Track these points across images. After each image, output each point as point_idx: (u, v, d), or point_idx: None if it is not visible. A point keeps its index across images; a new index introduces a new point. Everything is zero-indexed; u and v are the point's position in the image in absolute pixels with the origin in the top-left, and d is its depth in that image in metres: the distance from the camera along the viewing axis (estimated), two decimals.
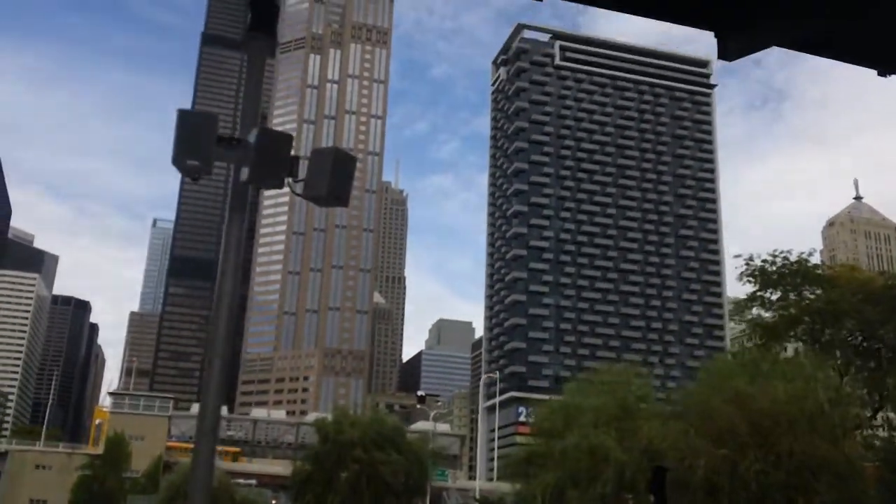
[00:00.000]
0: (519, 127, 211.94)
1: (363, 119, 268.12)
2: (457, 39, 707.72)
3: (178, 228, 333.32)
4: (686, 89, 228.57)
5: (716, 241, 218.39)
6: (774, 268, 59.32)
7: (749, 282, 59.75)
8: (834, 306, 54.61)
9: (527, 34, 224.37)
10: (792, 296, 59.61)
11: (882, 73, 7.31)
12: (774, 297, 60.12)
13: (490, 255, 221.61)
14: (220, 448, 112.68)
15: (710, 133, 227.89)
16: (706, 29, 7.11)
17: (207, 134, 7.39)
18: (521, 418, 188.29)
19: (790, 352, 58.66)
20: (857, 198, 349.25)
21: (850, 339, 57.65)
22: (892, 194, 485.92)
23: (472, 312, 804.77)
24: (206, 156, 7.40)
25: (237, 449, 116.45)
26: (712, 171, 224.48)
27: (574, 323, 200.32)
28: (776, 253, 59.53)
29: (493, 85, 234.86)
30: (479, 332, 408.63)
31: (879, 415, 58.46)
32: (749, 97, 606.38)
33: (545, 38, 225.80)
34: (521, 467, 49.09)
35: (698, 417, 38.75)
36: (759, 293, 60.02)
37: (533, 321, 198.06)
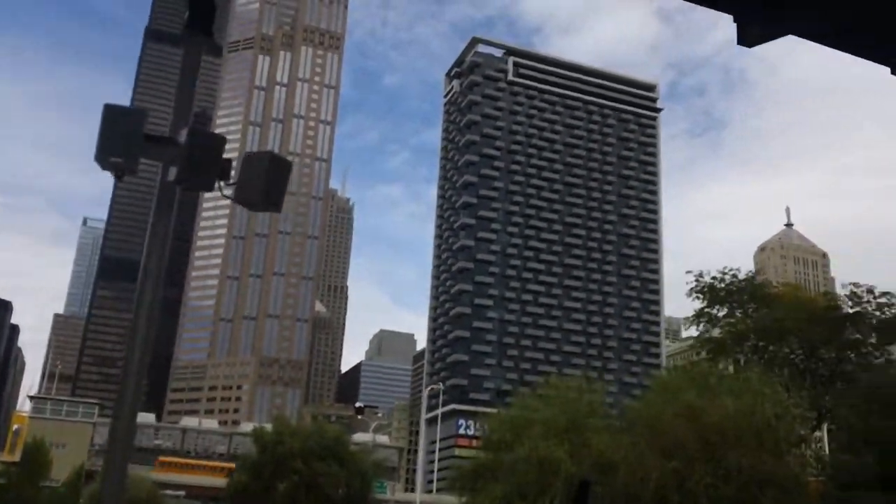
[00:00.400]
0: (470, 140, 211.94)
1: (312, 124, 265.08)
2: (410, 50, 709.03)
3: (110, 228, 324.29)
4: (633, 112, 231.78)
5: (656, 261, 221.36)
6: (723, 284, 60.25)
7: (697, 298, 60.59)
8: (780, 324, 55.57)
9: (481, 48, 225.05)
10: (738, 313, 60.56)
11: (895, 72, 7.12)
12: (721, 314, 61.16)
13: (436, 266, 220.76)
14: (212, 464, 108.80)
15: (654, 156, 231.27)
16: (726, 12, 7.03)
17: (134, 131, 7.04)
18: (462, 431, 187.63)
19: (732, 368, 59.39)
20: (788, 224, 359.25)
21: (792, 357, 58.88)
22: (820, 222, 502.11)
23: (415, 324, 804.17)
24: (132, 153, 7.06)
25: (231, 465, 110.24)
26: (655, 192, 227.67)
27: (517, 337, 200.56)
28: (725, 270, 60.50)
29: (445, 97, 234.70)
30: (422, 344, 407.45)
31: (816, 432, 59.56)
32: (691, 124, 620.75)
33: (499, 53, 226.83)
34: (468, 480, 48.08)
35: (648, 430, 38.43)
36: (707, 309, 60.86)
37: (476, 334, 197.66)
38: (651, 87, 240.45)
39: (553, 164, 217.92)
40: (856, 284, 59.72)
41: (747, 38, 7.06)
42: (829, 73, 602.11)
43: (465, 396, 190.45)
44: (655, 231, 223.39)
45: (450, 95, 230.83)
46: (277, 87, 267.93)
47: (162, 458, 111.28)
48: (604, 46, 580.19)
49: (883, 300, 57.73)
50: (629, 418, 43.93)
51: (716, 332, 61.71)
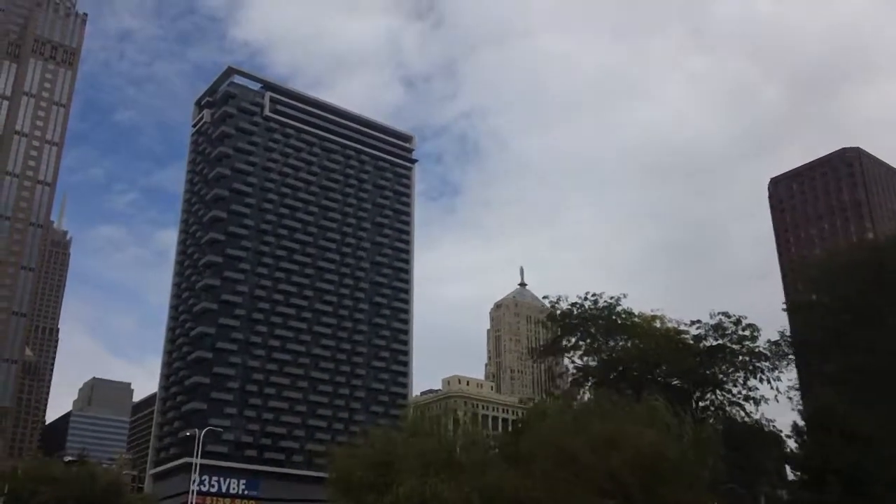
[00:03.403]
0: (220, 173, 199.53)
1: (36, 143, 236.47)
2: (148, 88, 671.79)
3: None
4: (389, 160, 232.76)
5: (406, 311, 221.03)
6: (577, 311, 58.62)
7: (545, 326, 58.78)
8: (655, 355, 54.55)
9: (237, 79, 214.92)
10: (587, 341, 58.85)
11: None
12: (569, 345, 59.34)
13: (174, 307, 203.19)
14: None
15: (408, 206, 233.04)
16: None
17: None
18: (195, 486, 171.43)
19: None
20: (522, 284, 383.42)
21: (661, 381, 57.77)
22: (548, 283, 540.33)
23: (132, 374, 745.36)
24: None
25: None
26: (408, 242, 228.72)
27: (261, 385, 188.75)
28: (586, 296, 58.89)
29: (194, 126, 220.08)
30: (139, 394, 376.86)
31: None
32: (428, 187, 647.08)
33: (256, 86, 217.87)
34: None
35: (559, 463, 33.36)
36: (560, 339, 58.93)
37: (217, 381, 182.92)
38: (408, 138, 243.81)
39: (308, 206, 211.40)
40: (726, 315, 59.34)
41: None
42: (549, 157, 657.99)
43: (200, 448, 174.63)
44: (407, 280, 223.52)
45: (199, 125, 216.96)
46: None
47: None
48: (350, 106, 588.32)
49: (745, 333, 58.30)
50: (524, 451, 38.17)
51: (580, 362, 59.71)
